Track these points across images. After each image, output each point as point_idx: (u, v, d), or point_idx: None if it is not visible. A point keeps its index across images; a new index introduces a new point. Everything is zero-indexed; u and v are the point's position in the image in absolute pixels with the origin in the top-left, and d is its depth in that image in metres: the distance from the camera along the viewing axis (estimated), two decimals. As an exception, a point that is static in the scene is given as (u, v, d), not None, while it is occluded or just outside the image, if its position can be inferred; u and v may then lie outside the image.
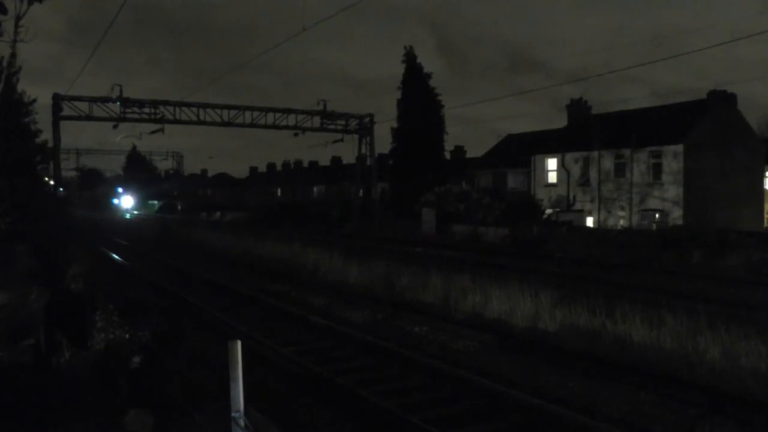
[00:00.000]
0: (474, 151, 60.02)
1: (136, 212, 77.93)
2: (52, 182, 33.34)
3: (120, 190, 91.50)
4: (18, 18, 7.78)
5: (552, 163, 42.29)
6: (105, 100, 35.37)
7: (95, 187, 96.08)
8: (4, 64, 14.23)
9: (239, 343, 4.33)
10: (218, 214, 66.32)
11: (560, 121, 45.54)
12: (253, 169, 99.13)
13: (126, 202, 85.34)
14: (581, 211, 38.20)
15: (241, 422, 4.20)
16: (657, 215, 35.46)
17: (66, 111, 35.04)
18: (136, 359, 7.35)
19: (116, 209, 79.91)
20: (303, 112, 39.82)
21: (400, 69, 48.39)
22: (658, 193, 35.94)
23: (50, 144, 34.22)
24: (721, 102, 36.98)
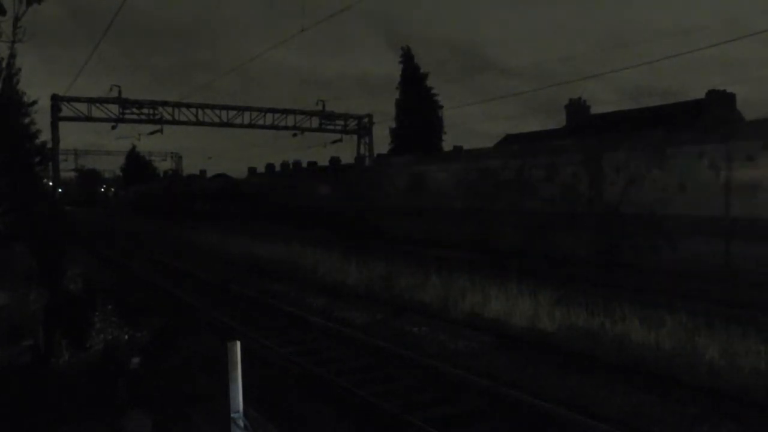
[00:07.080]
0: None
1: None
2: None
3: None
4: (17, 19, 7.79)
5: (551, 164, 42.22)
6: (104, 101, 35.31)
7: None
8: (3, 65, 14.25)
9: (238, 343, 4.31)
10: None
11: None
12: (252, 170, 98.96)
13: None
14: (580, 211, 38.13)
15: (240, 423, 4.19)
16: (656, 215, 35.41)
17: (65, 112, 34.99)
18: (135, 360, 7.34)
19: None
20: (302, 112, 39.82)
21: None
22: (657, 193, 35.86)
23: (49, 145, 34.37)
24: (720, 102, 36.92)
